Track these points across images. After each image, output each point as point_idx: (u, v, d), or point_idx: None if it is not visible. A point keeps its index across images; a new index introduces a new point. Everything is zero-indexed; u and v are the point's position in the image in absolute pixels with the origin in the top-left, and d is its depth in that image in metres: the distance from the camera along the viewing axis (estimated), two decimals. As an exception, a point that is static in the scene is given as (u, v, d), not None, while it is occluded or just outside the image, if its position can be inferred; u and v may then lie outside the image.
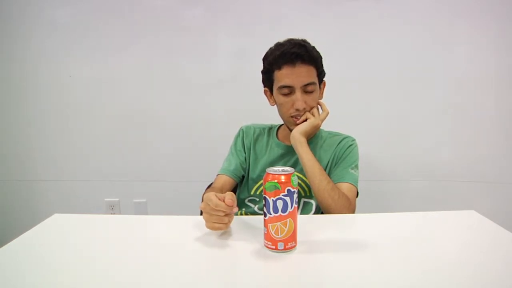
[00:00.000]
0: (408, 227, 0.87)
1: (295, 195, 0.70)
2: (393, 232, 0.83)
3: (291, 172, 0.70)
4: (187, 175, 1.86)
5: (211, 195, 0.77)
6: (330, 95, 1.76)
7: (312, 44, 1.12)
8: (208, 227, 0.79)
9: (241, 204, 1.19)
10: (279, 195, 0.69)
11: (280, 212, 0.69)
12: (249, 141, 1.22)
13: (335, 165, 1.14)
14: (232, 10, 1.76)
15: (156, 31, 1.79)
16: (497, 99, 1.73)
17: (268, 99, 1.17)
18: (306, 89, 1.06)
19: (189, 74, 1.82)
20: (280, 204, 0.69)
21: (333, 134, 1.22)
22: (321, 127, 1.16)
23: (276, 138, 1.21)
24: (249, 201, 1.19)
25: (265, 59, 1.11)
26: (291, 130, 1.12)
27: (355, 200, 1.08)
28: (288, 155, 1.16)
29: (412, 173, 1.82)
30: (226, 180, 1.15)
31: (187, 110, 1.85)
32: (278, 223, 0.70)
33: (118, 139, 1.89)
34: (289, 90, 1.06)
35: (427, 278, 0.63)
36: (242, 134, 1.24)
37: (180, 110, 1.85)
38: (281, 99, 1.09)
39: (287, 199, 0.69)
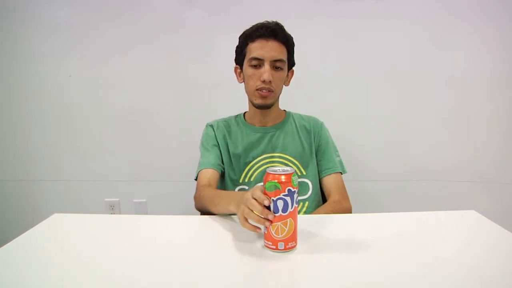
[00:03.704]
0: (408, 227, 0.87)
1: (296, 195, 0.70)
2: (393, 232, 0.83)
3: (292, 172, 0.70)
4: (187, 175, 1.85)
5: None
6: (330, 95, 1.79)
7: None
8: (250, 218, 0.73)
9: None
10: (279, 195, 0.69)
11: (280, 212, 0.69)
12: (222, 132, 1.22)
13: (320, 152, 1.21)
14: (232, 11, 1.76)
15: (156, 31, 1.79)
16: (497, 99, 1.73)
17: (237, 77, 1.21)
18: (275, 65, 1.10)
19: (189, 74, 1.82)
20: (280, 204, 0.69)
21: (301, 116, 1.27)
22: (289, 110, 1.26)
23: (247, 124, 1.23)
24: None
25: (241, 35, 1.15)
26: (255, 106, 1.15)
27: (346, 193, 1.17)
28: (266, 136, 1.20)
29: (412, 173, 1.82)
30: (211, 173, 1.14)
31: (187, 110, 1.85)
32: (279, 223, 0.70)
33: (118, 139, 1.89)
34: (259, 63, 1.10)
35: (427, 278, 0.63)
36: (212, 128, 1.24)
37: (180, 110, 1.85)
38: (249, 71, 1.12)
39: (288, 199, 0.69)
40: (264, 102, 1.13)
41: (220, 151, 1.20)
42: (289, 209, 0.69)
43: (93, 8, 1.78)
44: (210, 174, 1.13)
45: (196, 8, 1.78)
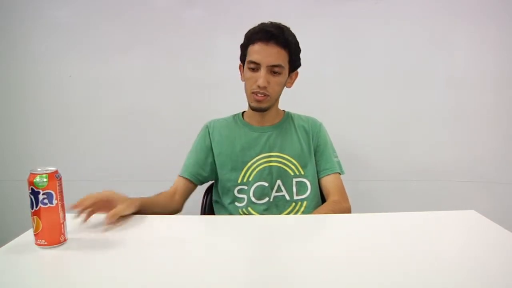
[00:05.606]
0: (408, 227, 0.87)
1: (41, 196, 0.73)
2: (393, 232, 0.83)
3: (38, 173, 0.74)
4: (187, 175, 1.86)
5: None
6: (330, 95, 1.79)
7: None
8: None
9: (232, 199, 1.18)
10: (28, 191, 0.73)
11: (30, 208, 0.74)
12: (218, 132, 1.22)
13: (318, 153, 1.21)
14: (232, 11, 1.76)
15: (156, 31, 1.79)
16: (497, 99, 1.73)
17: (241, 74, 1.21)
18: (272, 70, 1.09)
19: (189, 74, 1.81)
20: (29, 201, 0.74)
21: (300, 117, 1.27)
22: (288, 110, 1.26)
23: (246, 123, 1.23)
24: (239, 191, 1.18)
25: (245, 34, 1.15)
26: (251, 108, 1.17)
27: (345, 193, 1.17)
28: (264, 136, 1.20)
29: (412, 173, 1.82)
30: (183, 183, 1.19)
31: (187, 110, 1.84)
32: (32, 217, 0.74)
33: (118, 139, 1.89)
34: (256, 67, 1.10)
35: (427, 278, 0.63)
36: (207, 130, 1.24)
37: (180, 110, 1.85)
38: (247, 73, 1.13)
39: (32, 197, 0.73)
40: (259, 106, 1.14)
41: (213, 153, 1.20)
42: (34, 208, 0.73)
43: (93, 8, 1.78)
44: (182, 183, 1.19)
45: (196, 8, 1.78)
